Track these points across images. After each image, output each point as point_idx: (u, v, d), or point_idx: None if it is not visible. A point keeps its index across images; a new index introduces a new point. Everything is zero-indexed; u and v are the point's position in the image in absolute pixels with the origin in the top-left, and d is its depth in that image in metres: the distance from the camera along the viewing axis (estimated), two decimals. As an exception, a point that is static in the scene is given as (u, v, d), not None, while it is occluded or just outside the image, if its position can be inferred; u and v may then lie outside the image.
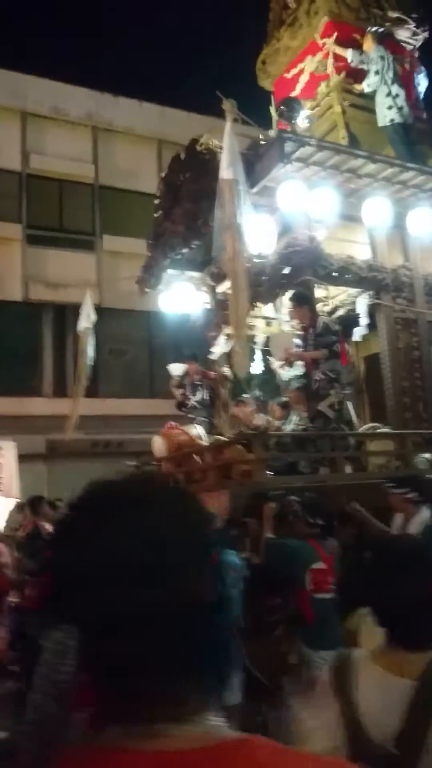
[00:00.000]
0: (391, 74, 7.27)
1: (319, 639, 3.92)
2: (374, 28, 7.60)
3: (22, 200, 14.97)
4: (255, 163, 5.93)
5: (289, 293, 6.89)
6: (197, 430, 7.43)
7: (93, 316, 8.22)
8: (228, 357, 7.96)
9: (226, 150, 5.04)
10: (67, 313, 15.33)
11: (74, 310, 15.14)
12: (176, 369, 8.36)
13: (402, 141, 7.13)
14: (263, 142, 6.00)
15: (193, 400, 8.02)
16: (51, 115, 15.36)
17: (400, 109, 7.19)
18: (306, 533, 4.39)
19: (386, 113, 7.19)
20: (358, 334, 6.58)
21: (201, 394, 8.01)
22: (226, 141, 5.08)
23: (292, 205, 6.06)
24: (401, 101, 7.23)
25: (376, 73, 7.25)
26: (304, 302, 5.80)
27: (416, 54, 8.42)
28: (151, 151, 16.48)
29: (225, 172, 4.92)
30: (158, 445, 7.39)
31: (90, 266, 15.49)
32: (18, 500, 9.83)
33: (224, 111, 5.61)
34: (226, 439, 6.31)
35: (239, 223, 4.80)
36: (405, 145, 7.10)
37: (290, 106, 5.88)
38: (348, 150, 6.07)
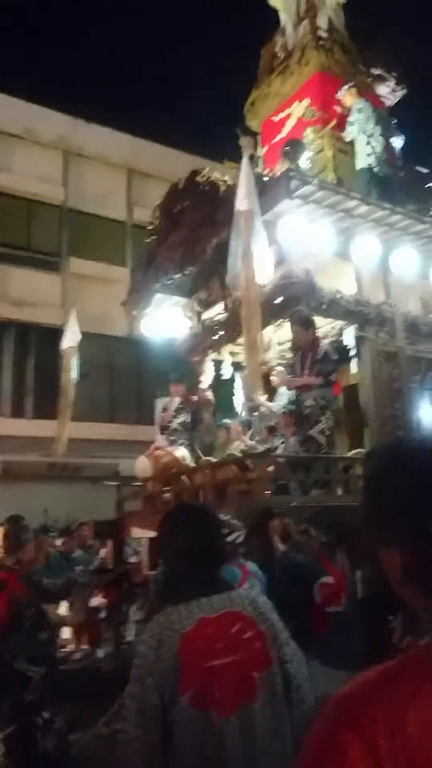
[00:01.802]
0: (371, 124, 7.79)
1: (335, 655, 4.07)
2: (351, 83, 8.13)
3: (-10, 217, 14.87)
4: (258, 197, 6.23)
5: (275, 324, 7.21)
6: (181, 452, 7.56)
7: (78, 336, 8.25)
8: (214, 381, 8.17)
9: (242, 183, 5.31)
10: (30, 333, 15.20)
11: (37, 330, 15.07)
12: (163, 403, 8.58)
13: (375, 187, 7.56)
14: (266, 179, 6.32)
15: (175, 422, 8.14)
16: (23, 135, 15.42)
17: (378, 157, 7.68)
18: (315, 549, 4.59)
19: (365, 159, 7.66)
20: (354, 366, 6.90)
21: (183, 417, 8.14)
22: (243, 174, 5.37)
23: (290, 239, 6.39)
24: (379, 150, 7.72)
25: (351, 123, 7.76)
26: (309, 325, 6.11)
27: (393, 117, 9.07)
28: (121, 179, 16.76)
29: (241, 204, 5.19)
30: (143, 465, 7.47)
31: (55, 287, 15.46)
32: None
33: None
34: (221, 460, 6.47)
35: (253, 253, 5.05)
36: (378, 192, 7.53)
37: (295, 148, 6.26)
38: (345, 192, 6.48)
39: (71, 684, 5.32)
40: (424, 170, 8.32)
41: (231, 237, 5.22)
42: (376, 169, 7.54)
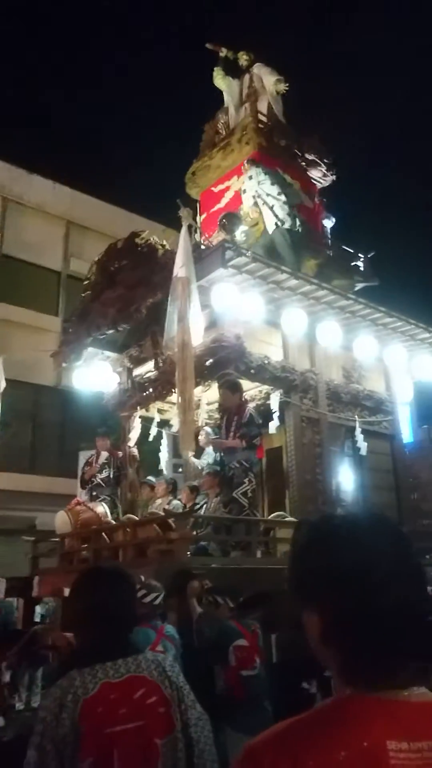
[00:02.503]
0: (265, 186, 8.07)
1: (247, 721, 4.04)
2: (247, 159, 8.60)
3: None
4: (195, 264, 6.48)
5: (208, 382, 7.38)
6: (103, 508, 7.47)
7: (2, 384, 8.10)
8: (141, 438, 8.18)
9: (180, 251, 5.55)
10: None
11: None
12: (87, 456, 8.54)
13: (287, 246, 7.85)
14: (204, 247, 6.62)
15: (98, 478, 8.05)
16: (-39, 180, 15.38)
17: (277, 216, 8.02)
18: (227, 615, 4.62)
19: (271, 220, 8.04)
20: (272, 427, 7.13)
21: (107, 473, 8.07)
22: (182, 243, 5.61)
23: (222, 304, 6.65)
24: (279, 209, 8.03)
25: (244, 191, 8.17)
26: (236, 389, 6.28)
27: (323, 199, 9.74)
28: (59, 230, 16.85)
29: (179, 271, 5.40)
30: (62, 520, 7.29)
31: (-19, 331, 15.13)
32: None
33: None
34: (142, 519, 6.44)
35: (189, 317, 5.24)
36: (289, 251, 7.83)
37: (231, 221, 6.59)
38: (276, 265, 6.84)
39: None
40: (350, 250, 8.93)
41: (168, 301, 5.40)
42: (281, 225, 7.84)
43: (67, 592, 6.24)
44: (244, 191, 8.13)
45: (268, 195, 8.01)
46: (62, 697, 1.79)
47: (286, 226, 7.90)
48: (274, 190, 8.07)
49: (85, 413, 13.01)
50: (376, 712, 0.92)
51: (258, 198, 8.03)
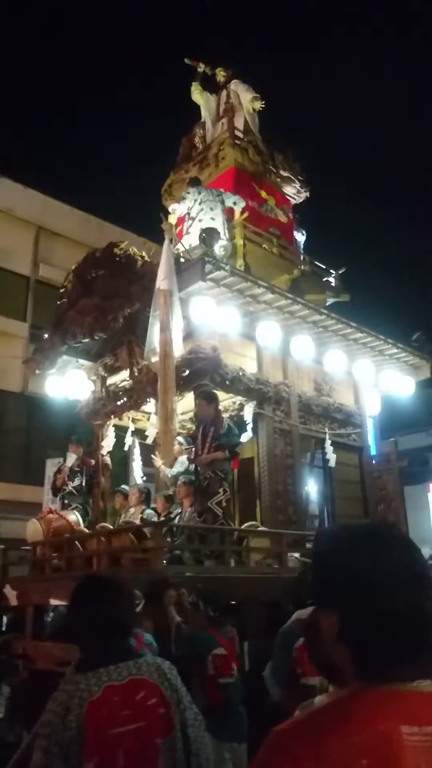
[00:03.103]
0: (196, 205, 7.98)
1: (225, 728, 4.12)
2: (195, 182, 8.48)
3: None
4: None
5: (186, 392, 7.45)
6: (75, 517, 7.45)
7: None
8: (115, 447, 8.19)
9: (163, 263, 5.63)
10: None
11: None
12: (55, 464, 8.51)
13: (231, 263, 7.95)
14: (183, 260, 6.71)
15: (70, 486, 8.03)
16: None
17: (218, 226, 8.00)
18: (205, 622, 4.69)
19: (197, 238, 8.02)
20: (246, 438, 7.24)
21: (78, 481, 8.05)
22: (164, 256, 5.69)
23: (200, 317, 6.74)
24: (218, 223, 7.96)
25: (173, 210, 8.11)
26: (212, 400, 6.37)
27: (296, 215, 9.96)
28: (28, 236, 16.71)
29: (162, 283, 5.48)
30: (34, 529, 7.25)
31: None
32: None
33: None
34: (117, 528, 6.45)
35: (171, 329, 5.32)
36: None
37: (210, 235, 6.70)
38: (253, 279, 6.98)
39: None
40: (322, 266, 9.16)
41: (146, 311, 5.47)
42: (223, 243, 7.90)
43: (36, 600, 6.23)
44: (174, 209, 8.11)
45: (192, 218, 8.02)
46: (67, 701, 1.85)
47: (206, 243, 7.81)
48: (199, 208, 8.00)
49: (51, 421, 12.93)
50: (389, 702, 1.03)
51: (188, 218, 8.08)
